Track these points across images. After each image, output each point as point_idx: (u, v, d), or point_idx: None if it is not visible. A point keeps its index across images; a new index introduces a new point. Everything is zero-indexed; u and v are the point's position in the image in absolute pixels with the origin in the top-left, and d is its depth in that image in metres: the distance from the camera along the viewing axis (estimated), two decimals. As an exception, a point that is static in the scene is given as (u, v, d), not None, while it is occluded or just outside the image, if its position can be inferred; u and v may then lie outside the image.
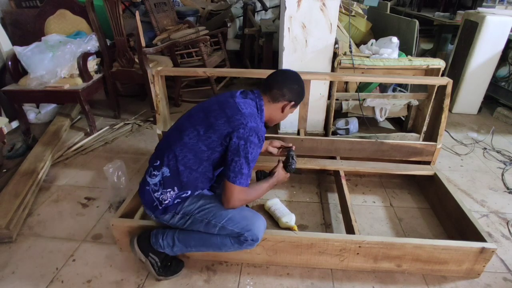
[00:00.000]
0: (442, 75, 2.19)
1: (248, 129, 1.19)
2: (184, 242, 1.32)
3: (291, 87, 1.33)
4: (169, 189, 1.26)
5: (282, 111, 1.37)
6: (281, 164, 1.47)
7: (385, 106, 2.41)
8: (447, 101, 1.81)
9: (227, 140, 1.20)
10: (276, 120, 1.43)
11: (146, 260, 1.35)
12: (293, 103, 1.36)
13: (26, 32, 2.84)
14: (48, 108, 2.82)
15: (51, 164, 2.17)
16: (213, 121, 1.23)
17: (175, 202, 1.27)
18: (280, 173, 1.43)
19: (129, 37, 2.62)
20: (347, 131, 2.46)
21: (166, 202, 1.26)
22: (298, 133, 2.19)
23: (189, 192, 1.29)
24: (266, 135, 1.60)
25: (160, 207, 1.27)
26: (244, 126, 1.19)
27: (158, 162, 1.28)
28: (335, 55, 2.22)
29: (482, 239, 1.38)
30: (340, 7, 2.67)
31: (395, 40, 2.39)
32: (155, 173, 1.28)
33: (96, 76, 2.63)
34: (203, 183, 1.31)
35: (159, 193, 1.26)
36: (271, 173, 1.43)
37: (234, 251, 1.31)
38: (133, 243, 1.36)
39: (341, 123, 2.48)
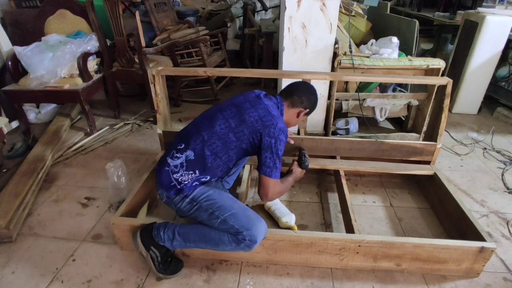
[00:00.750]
0: (442, 75, 2.19)
1: (278, 129, 1.33)
2: (183, 236, 1.36)
3: (309, 96, 1.51)
4: (191, 172, 1.34)
5: (298, 116, 1.51)
6: (296, 163, 1.65)
7: (385, 106, 2.41)
8: (447, 101, 1.81)
9: (257, 135, 1.33)
10: (291, 124, 1.55)
11: (147, 254, 1.37)
12: (307, 110, 1.52)
13: (26, 32, 2.84)
14: (48, 108, 2.82)
15: (51, 164, 2.17)
16: (247, 118, 1.35)
17: (193, 184, 1.35)
18: (297, 170, 1.63)
19: (129, 37, 2.62)
20: (347, 131, 2.46)
21: (186, 183, 1.34)
22: (298, 133, 2.19)
23: (208, 177, 1.37)
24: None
25: (178, 187, 1.34)
26: (275, 126, 1.33)
27: (183, 145, 1.37)
28: (335, 55, 2.22)
29: (482, 239, 1.38)
30: (340, 7, 2.67)
31: (395, 40, 2.39)
32: (178, 155, 1.36)
33: (96, 76, 2.63)
34: (222, 172, 1.42)
35: (179, 174, 1.34)
36: (288, 172, 1.61)
37: (231, 251, 1.33)
38: (136, 236, 1.39)
39: (341, 123, 2.48)
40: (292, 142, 1.82)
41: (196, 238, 1.35)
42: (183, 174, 1.33)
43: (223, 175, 1.46)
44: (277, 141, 1.33)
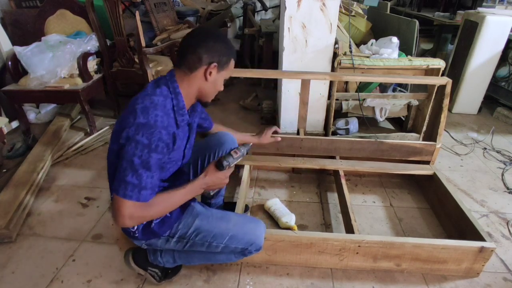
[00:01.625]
0: (442, 75, 2.19)
1: (135, 127, 0.96)
2: (185, 260, 1.32)
3: (206, 45, 1.06)
4: None
5: (206, 78, 1.09)
6: (213, 163, 1.20)
7: (385, 106, 2.41)
8: (446, 101, 1.81)
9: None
10: (208, 93, 1.15)
11: (145, 273, 1.33)
12: (215, 64, 1.08)
13: (26, 32, 2.84)
14: (48, 108, 2.82)
15: (51, 164, 2.17)
16: (117, 128, 1.04)
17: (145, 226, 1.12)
18: (209, 174, 1.16)
19: (129, 37, 2.62)
20: (347, 131, 2.46)
21: (133, 230, 1.12)
22: (298, 133, 2.19)
23: None
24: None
25: (137, 234, 1.13)
26: (131, 125, 0.97)
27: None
28: (335, 55, 2.22)
29: (482, 239, 1.38)
30: (340, 7, 2.67)
31: (395, 40, 2.39)
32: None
33: (96, 76, 2.63)
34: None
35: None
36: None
37: (230, 260, 1.31)
38: (128, 260, 1.31)
39: (341, 123, 2.48)
40: (279, 139, 1.56)
41: (201, 260, 1.31)
42: None
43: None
44: (131, 143, 0.95)
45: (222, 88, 1.18)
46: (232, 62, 1.16)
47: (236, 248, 1.21)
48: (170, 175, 1.21)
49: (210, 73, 1.08)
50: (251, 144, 1.41)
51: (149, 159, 0.96)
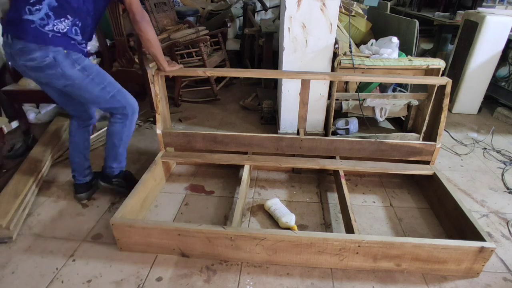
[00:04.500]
0: (442, 75, 2.19)
1: None
2: (117, 149, 1.74)
3: None
4: (63, 18, 1.33)
5: None
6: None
7: (385, 106, 2.41)
8: (446, 101, 1.81)
9: None
10: None
11: (113, 186, 1.81)
12: None
13: (26, 32, 2.83)
14: (48, 108, 2.82)
15: (51, 164, 2.17)
16: None
17: (73, 30, 1.37)
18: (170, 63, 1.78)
19: (129, 37, 2.62)
20: (347, 131, 2.46)
21: (64, 30, 1.33)
22: (298, 133, 2.19)
23: (80, 24, 1.39)
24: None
25: (59, 34, 1.32)
26: None
27: None
28: (335, 55, 2.22)
29: (482, 239, 1.38)
30: (340, 7, 2.67)
31: (395, 40, 2.39)
32: (37, 7, 1.29)
33: (96, 76, 2.63)
34: (90, 19, 1.44)
35: (51, 25, 1.31)
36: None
37: (130, 130, 1.72)
38: (98, 183, 1.86)
39: (341, 123, 2.48)
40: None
41: (120, 141, 1.71)
42: (56, 24, 1.31)
43: (91, 24, 1.46)
44: None
45: None
46: None
47: (119, 102, 1.59)
48: None
49: None
50: None
51: None
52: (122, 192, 1.81)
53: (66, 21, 1.34)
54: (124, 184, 1.82)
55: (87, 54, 1.50)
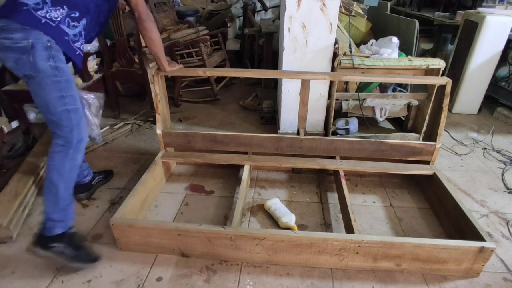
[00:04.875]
0: (442, 75, 2.19)
1: None
2: (53, 193, 1.35)
3: None
4: (58, 7, 1.28)
5: None
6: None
7: (385, 106, 2.41)
8: (446, 101, 1.81)
9: None
10: None
11: (52, 253, 1.33)
12: None
13: (26, 32, 2.83)
14: (48, 108, 2.81)
15: (51, 164, 2.17)
16: None
17: (66, 21, 1.30)
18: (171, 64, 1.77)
19: (129, 37, 2.62)
20: (347, 131, 2.46)
21: (58, 19, 1.27)
22: (298, 133, 2.19)
23: (78, 14, 1.34)
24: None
25: (53, 24, 1.26)
26: None
27: None
28: (335, 55, 2.22)
29: (482, 239, 1.38)
30: (340, 7, 2.67)
31: (395, 40, 2.39)
32: None
33: (96, 76, 2.63)
34: (90, 17, 1.40)
35: (45, 11, 1.25)
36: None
37: (73, 163, 1.39)
38: (34, 249, 1.35)
39: (341, 123, 2.48)
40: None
41: (59, 178, 1.36)
42: (50, 11, 1.25)
43: (91, 27, 1.43)
44: None
45: None
46: None
47: (68, 121, 1.35)
48: None
49: None
50: None
51: None
52: (66, 266, 1.40)
53: (61, 10, 1.28)
54: (69, 252, 1.36)
55: (81, 56, 1.41)
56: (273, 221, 1.74)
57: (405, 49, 2.63)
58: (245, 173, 1.87)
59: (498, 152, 2.47)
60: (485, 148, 2.51)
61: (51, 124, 1.38)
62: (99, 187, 1.95)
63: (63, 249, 1.35)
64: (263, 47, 3.41)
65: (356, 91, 2.41)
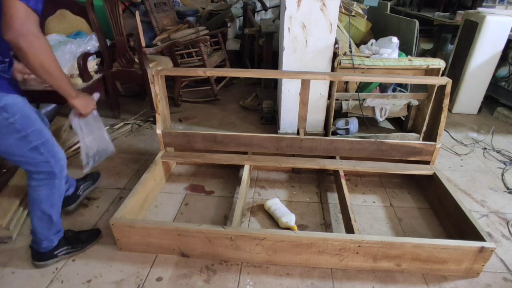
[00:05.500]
0: (442, 75, 2.19)
1: None
2: (38, 222, 1.36)
3: None
4: None
5: None
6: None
7: (385, 106, 2.41)
8: (446, 101, 1.81)
9: None
10: None
11: (55, 259, 1.44)
12: None
13: (26, 32, 2.83)
14: (48, 108, 2.82)
15: (51, 164, 2.17)
16: None
17: None
18: (84, 95, 1.30)
19: (129, 37, 2.62)
20: (347, 131, 2.46)
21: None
22: (298, 133, 2.19)
23: None
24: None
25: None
26: None
27: None
28: (335, 55, 2.22)
29: (482, 239, 1.38)
30: (340, 7, 2.67)
31: (395, 40, 2.39)
32: None
33: (96, 76, 2.63)
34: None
35: None
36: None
37: (60, 190, 1.36)
38: (41, 263, 1.43)
39: (341, 123, 2.48)
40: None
41: (51, 208, 1.35)
42: None
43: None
44: None
45: None
46: None
47: (43, 157, 1.21)
48: None
49: None
50: None
51: None
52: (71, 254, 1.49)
53: None
54: (74, 246, 1.49)
55: (16, 85, 1.17)
56: (273, 221, 1.74)
57: (405, 49, 2.63)
58: (245, 173, 1.87)
59: (498, 152, 2.47)
60: (485, 148, 2.51)
61: (23, 165, 1.25)
62: (88, 194, 1.88)
63: (66, 250, 1.47)
64: (263, 47, 3.41)
65: (356, 91, 2.41)
